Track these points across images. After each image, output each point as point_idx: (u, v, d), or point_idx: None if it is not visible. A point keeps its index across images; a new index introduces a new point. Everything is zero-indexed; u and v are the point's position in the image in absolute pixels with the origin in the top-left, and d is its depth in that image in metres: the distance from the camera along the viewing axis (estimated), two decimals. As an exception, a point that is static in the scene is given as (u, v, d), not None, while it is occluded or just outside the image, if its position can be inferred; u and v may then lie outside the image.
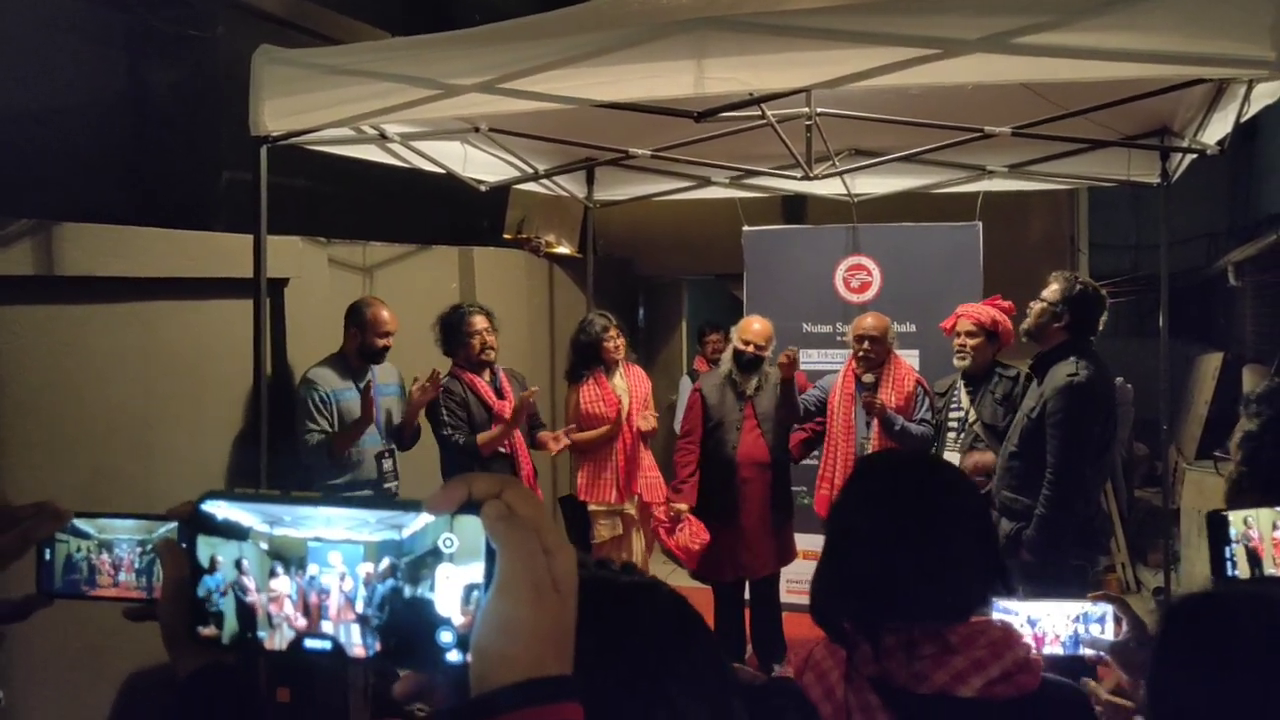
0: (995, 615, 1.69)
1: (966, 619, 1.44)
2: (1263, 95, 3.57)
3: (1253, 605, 1.22)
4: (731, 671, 0.97)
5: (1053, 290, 4.14)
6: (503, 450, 4.88)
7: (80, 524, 1.22)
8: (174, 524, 1.15)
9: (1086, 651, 1.74)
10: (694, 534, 4.94)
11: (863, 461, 1.78)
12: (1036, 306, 4.16)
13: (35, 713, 3.53)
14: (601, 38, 3.13)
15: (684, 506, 4.99)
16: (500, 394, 4.96)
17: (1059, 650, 1.76)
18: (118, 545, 1.20)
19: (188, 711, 1.05)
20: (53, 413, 3.65)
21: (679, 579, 5.48)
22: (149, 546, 1.19)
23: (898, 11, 2.90)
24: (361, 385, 4.55)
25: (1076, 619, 1.76)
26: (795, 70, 3.08)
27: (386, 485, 4.64)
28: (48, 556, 1.22)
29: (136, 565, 1.20)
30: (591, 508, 5.18)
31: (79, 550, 1.22)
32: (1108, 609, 1.75)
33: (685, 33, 3.02)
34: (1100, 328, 4.17)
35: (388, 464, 4.65)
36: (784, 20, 2.98)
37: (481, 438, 4.76)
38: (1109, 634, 1.74)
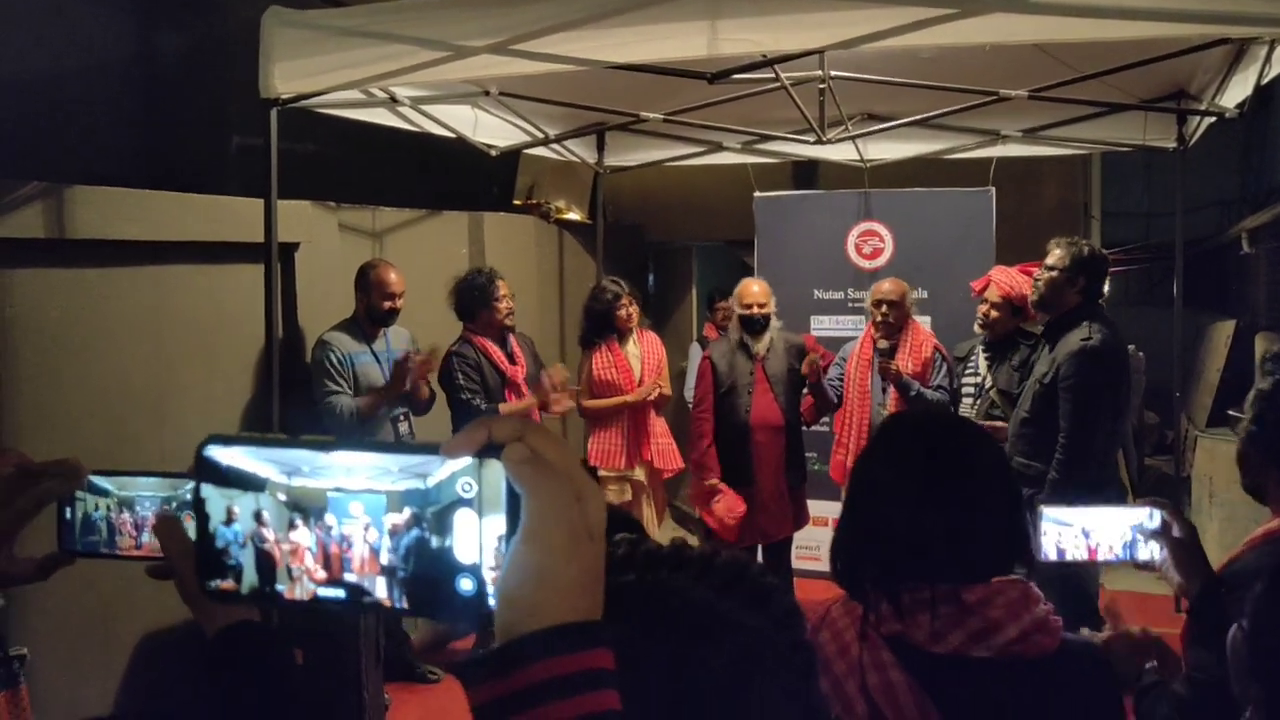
0: (1051, 526, 1.76)
1: (987, 580, 1.44)
2: (1284, 57, 3.53)
3: None
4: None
5: (1059, 257, 4.06)
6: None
7: (98, 481, 1.21)
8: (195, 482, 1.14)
9: (1141, 555, 1.79)
10: (730, 507, 4.93)
11: (891, 419, 1.78)
12: (1046, 276, 4.09)
13: (48, 673, 3.56)
14: (614, -2, 3.09)
15: (715, 480, 4.98)
16: (512, 359, 4.96)
17: (1113, 559, 1.81)
18: (139, 503, 1.20)
19: (217, 669, 1.05)
20: (65, 376, 3.66)
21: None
22: (174, 504, 1.18)
23: (915, -29, 2.86)
24: (375, 349, 4.56)
25: (1129, 527, 1.80)
26: (810, 31, 3.05)
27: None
28: (69, 515, 1.21)
29: None
30: (601, 473, 5.19)
31: (97, 509, 1.21)
32: (1158, 513, 1.79)
33: (699, -7, 2.99)
34: (1106, 290, 4.12)
35: (404, 427, 4.67)
36: (799, -20, 2.95)
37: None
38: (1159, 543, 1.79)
